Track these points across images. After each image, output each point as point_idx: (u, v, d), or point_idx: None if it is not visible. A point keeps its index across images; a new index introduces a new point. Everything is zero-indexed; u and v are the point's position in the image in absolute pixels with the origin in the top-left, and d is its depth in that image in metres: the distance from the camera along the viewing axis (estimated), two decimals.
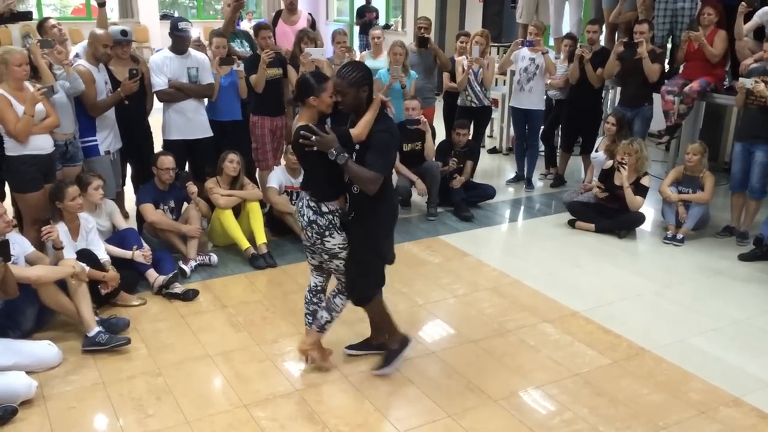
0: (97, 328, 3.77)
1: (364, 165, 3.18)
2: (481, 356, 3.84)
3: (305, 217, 3.33)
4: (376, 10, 14.30)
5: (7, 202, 4.76)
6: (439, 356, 3.82)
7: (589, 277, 4.94)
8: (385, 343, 3.71)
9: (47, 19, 5.35)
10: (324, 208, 3.30)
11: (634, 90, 6.44)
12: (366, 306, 3.55)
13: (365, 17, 13.77)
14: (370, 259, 3.43)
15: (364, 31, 13.46)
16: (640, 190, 5.64)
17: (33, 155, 4.23)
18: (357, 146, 3.25)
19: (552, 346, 3.95)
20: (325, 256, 3.39)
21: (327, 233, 3.31)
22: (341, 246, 3.35)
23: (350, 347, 3.79)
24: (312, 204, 3.30)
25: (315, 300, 3.63)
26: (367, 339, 3.82)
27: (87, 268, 3.99)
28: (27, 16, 4.85)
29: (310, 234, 3.33)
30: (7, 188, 4.77)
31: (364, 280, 3.45)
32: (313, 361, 3.63)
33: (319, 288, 3.64)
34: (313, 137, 3.11)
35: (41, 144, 4.26)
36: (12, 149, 4.20)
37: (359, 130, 3.22)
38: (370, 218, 3.34)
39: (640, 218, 5.75)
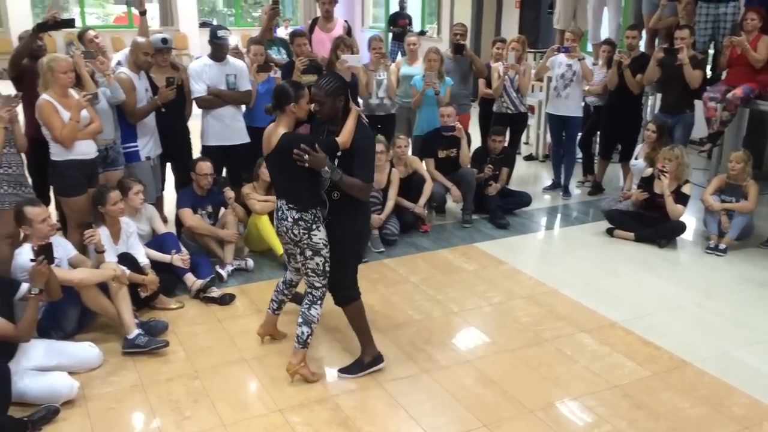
0: (136, 331, 3.84)
1: (349, 170, 3.36)
2: (517, 365, 3.80)
3: (288, 220, 3.41)
4: (410, 17, 14.30)
5: (51, 206, 4.86)
6: (474, 365, 3.79)
7: (628, 286, 4.85)
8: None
9: (87, 30, 5.48)
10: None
11: (674, 96, 6.32)
12: (349, 307, 3.64)
13: (398, 24, 13.79)
14: (350, 260, 3.61)
15: (398, 38, 13.46)
16: (682, 199, 5.53)
17: (78, 160, 4.33)
18: (338, 153, 3.39)
19: (590, 357, 3.89)
20: (308, 253, 3.45)
21: (314, 227, 3.42)
22: (325, 242, 3.46)
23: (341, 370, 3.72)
24: (292, 206, 3.41)
25: (286, 292, 3.83)
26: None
27: (127, 272, 4.06)
28: (70, 23, 4.97)
29: (297, 232, 3.40)
30: (51, 192, 4.88)
31: (348, 280, 3.63)
32: (302, 378, 3.60)
33: (294, 283, 3.83)
34: (306, 156, 3.23)
35: (85, 149, 4.36)
36: (57, 154, 4.30)
37: (344, 138, 3.38)
38: (349, 222, 3.52)
39: (681, 227, 5.63)
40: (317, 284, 3.55)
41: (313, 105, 3.43)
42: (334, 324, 4.11)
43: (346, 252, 3.56)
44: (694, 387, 3.61)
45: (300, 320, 3.57)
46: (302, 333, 3.56)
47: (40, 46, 4.84)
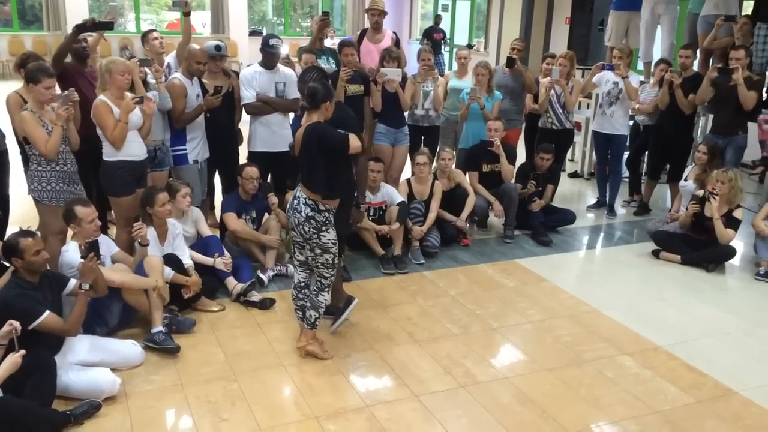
0: (159, 327, 3.92)
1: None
2: (556, 385, 3.74)
3: (302, 214, 3.64)
4: (444, 32, 14.41)
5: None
6: (512, 382, 3.75)
7: (673, 310, 4.74)
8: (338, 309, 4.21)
9: (152, 31, 5.65)
10: (321, 207, 3.64)
11: (727, 118, 6.17)
12: None
13: (433, 38, 13.89)
14: None
15: (433, 51, 13.47)
16: (732, 223, 5.38)
17: (128, 161, 4.43)
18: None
19: (631, 380, 3.80)
20: (318, 251, 3.70)
21: (324, 228, 3.65)
22: (333, 241, 3.70)
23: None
24: (310, 202, 3.63)
25: (301, 296, 3.92)
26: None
27: (172, 273, 4.14)
28: (108, 26, 5.15)
29: (307, 229, 3.65)
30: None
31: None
32: (313, 355, 3.88)
33: (302, 284, 3.93)
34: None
35: (136, 151, 4.47)
36: (109, 155, 4.41)
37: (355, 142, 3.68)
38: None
39: (731, 252, 5.47)
40: (326, 274, 3.80)
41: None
42: (374, 339, 4.12)
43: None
44: (739, 416, 3.50)
45: (308, 304, 3.84)
46: (310, 316, 3.85)
47: (84, 47, 5.03)
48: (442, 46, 14.28)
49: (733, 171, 5.43)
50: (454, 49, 11.51)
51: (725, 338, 4.36)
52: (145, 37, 5.55)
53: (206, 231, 4.85)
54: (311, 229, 3.63)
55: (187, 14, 5.76)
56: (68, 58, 4.96)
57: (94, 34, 5.21)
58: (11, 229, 3.94)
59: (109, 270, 3.90)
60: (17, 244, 3.32)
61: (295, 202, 3.69)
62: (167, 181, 4.80)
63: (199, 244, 4.73)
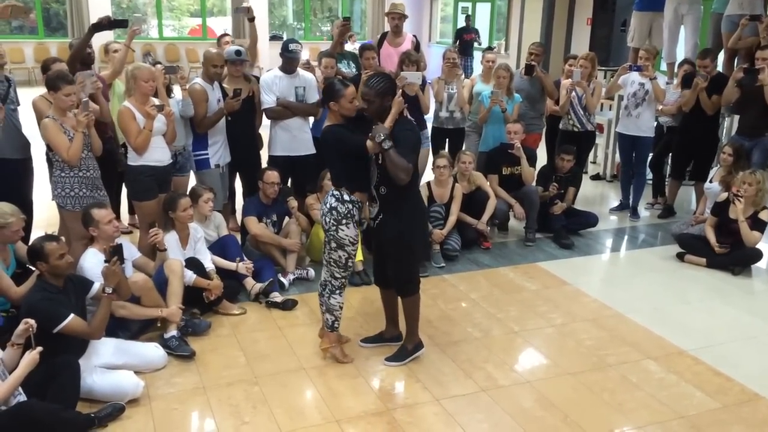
0: (172, 332, 3.94)
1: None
2: (579, 390, 3.70)
3: (327, 205, 3.63)
4: (476, 31, 14.34)
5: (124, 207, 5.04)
6: (534, 386, 3.71)
7: (698, 314, 4.67)
8: (398, 337, 4.05)
9: (225, 35, 6.37)
10: (346, 197, 3.59)
11: (753, 119, 6.06)
12: (405, 299, 3.84)
13: (464, 39, 13.84)
14: (406, 258, 3.73)
15: (463, 53, 13.41)
16: (758, 225, 5.29)
17: (151, 166, 4.49)
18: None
19: (656, 385, 3.75)
20: (333, 244, 3.65)
21: (344, 221, 3.59)
22: (351, 240, 3.64)
23: (364, 340, 4.11)
24: (336, 193, 3.61)
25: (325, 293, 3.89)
26: (380, 332, 4.11)
27: (194, 276, 4.17)
28: (123, 24, 5.29)
29: (328, 220, 3.62)
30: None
31: (404, 276, 3.78)
32: (334, 358, 3.88)
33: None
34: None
35: (159, 156, 4.53)
36: (133, 159, 4.48)
37: (386, 123, 3.52)
38: (398, 222, 3.62)
39: (757, 255, 5.38)
40: (337, 275, 3.74)
41: (360, 102, 3.61)
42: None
43: (402, 251, 3.69)
44: (767, 422, 3.43)
45: (323, 308, 3.82)
46: (327, 319, 3.84)
47: (89, 53, 5.16)
48: (473, 47, 14.17)
49: (760, 173, 5.34)
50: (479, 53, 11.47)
51: (752, 342, 4.29)
52: (218, 40, 6.20)
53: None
54: (332, 220, 3.61)
55: (251, 20, 5.95)
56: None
57: (120, 41, 5.32)
58: (35, 234, 3.98)
59: (123, 303, 3.84)
60: (42, 248, 3.37)
61: (325, 197, 3.73)
62: (192, 187, 4.84)
63: (217, 244, 4.75)
